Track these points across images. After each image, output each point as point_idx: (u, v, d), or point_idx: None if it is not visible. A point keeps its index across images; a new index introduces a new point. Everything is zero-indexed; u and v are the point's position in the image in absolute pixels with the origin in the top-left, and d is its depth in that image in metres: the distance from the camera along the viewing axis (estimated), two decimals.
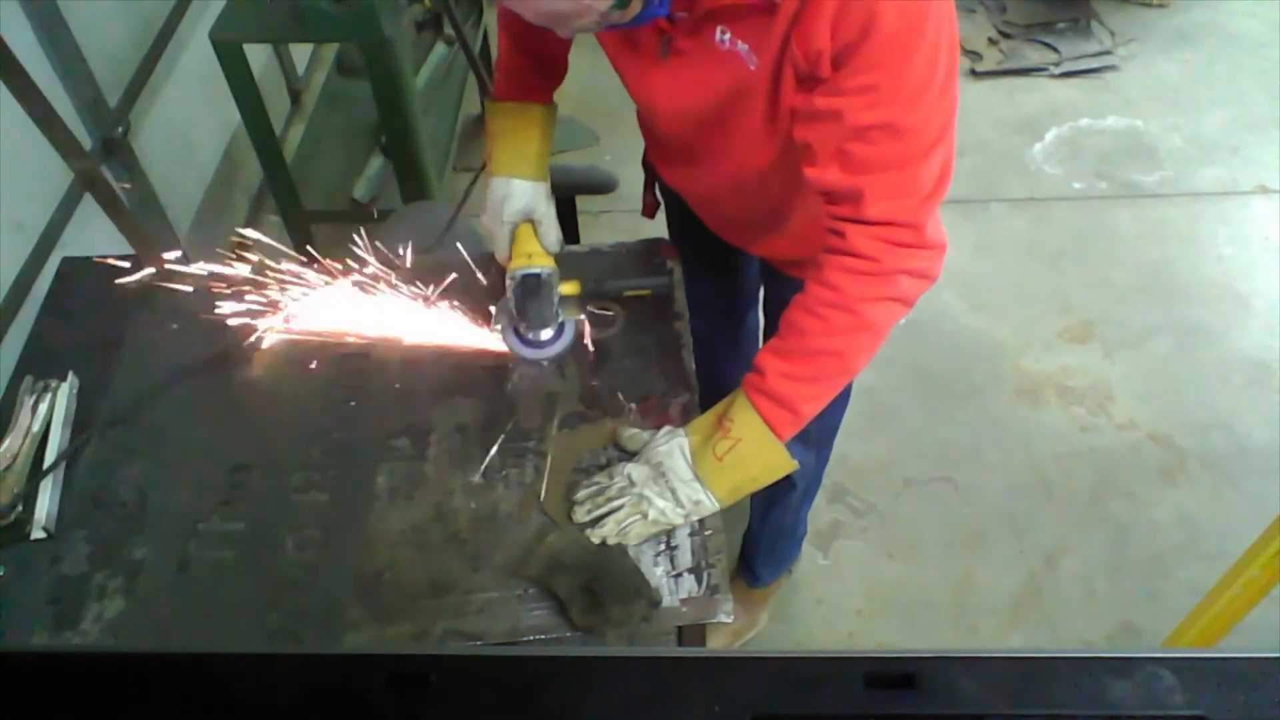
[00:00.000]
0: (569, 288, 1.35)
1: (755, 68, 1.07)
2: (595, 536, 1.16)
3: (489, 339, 1.35)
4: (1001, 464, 2.40)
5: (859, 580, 2.21)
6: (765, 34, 1.04)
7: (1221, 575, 1.60)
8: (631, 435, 1.25)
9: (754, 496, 1.85)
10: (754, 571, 2.07)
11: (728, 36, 1.08)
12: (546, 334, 1.33)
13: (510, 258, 1.35)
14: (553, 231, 1.35)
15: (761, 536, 2.01)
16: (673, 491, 1.16)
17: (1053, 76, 3.47)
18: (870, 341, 1.17)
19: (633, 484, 1.18)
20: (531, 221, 1.34)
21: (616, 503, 1.17)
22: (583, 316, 1.36)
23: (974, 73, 3.46)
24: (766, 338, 1.28)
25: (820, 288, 1.14)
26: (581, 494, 1.20)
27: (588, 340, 1.36)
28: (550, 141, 1.37)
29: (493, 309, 1.36)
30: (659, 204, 1.65)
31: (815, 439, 1.76)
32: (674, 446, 1.19)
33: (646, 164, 1.59)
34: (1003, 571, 2.21)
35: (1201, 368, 2.58)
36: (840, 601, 2.18)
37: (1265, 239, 2.90)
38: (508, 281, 1.32)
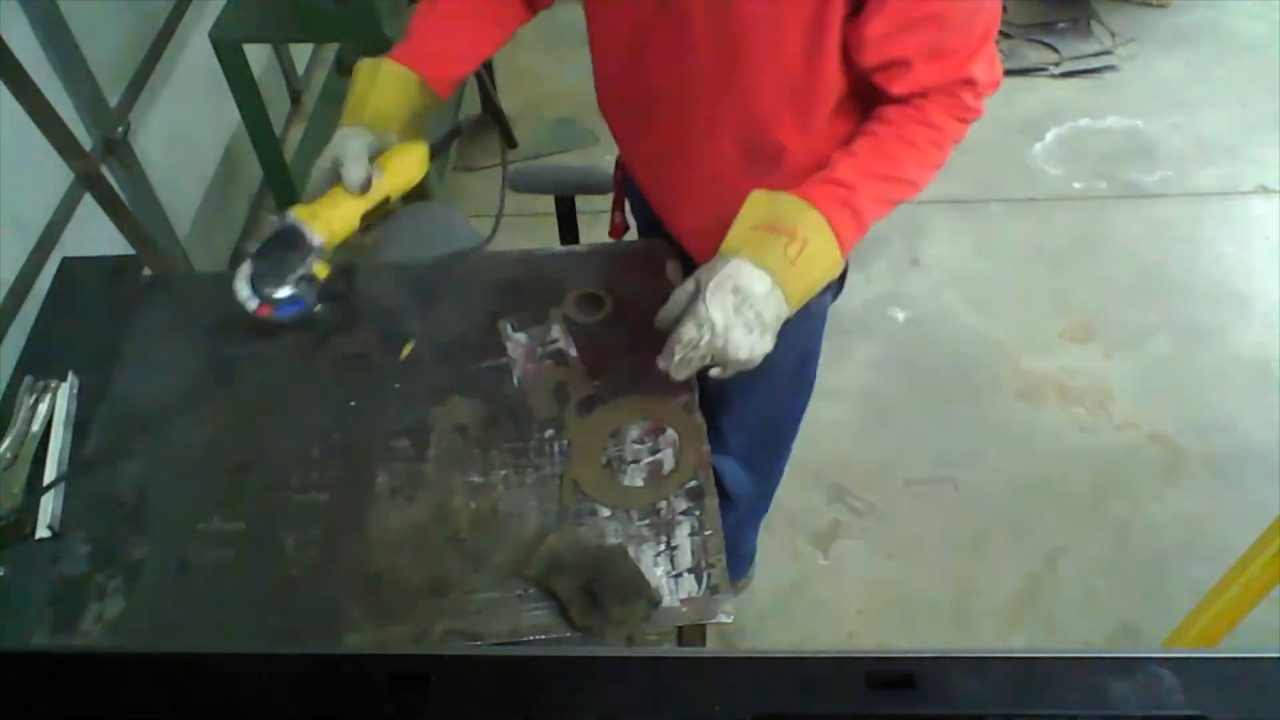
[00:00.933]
0: (321, 269, 1.20)
1: None
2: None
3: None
4: (1001, 464, 2.40)
5: (859, 580, 2.21)
6: None
7: (1221, 575, 1.60)
8: (662, 311, 1.14)
9: None
10: None
11: None
12: (281, 293, 1.18)
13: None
14: (355, 170, 1.15)
15: None
16: (758, 316, 1.07)
17: (1053, 76, 3.47)
18: (938, 166, 1.19)
19: (715, 330, 1.07)
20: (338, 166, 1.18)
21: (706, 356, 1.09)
22: (317, 308, 1.23)
23: None
24: None
25: (924, 127, 1.14)
26: (676, 358, 1.10)
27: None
28: (409, 108, 1.23)
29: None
30: (628, 226, 1.62)
31: (762, 470, 1.75)
32: (736, 267, 1.07)
33: (616, 179, 1.56)
34: (1003, 571, 2.21)
35: (1201, 368, 2.58)
36: (840, 601, 2.18)
37: (1265, 239, 2.90)
38: (267, 225, 1.20)
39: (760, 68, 1.14)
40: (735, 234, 1.12)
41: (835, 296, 1.49)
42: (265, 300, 1.19)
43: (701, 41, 1.15)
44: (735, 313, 1.07)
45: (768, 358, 1.14)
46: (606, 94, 1.38)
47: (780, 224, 1.09)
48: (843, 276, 1.43)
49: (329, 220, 1.17)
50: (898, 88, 1.13)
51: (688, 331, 1.08)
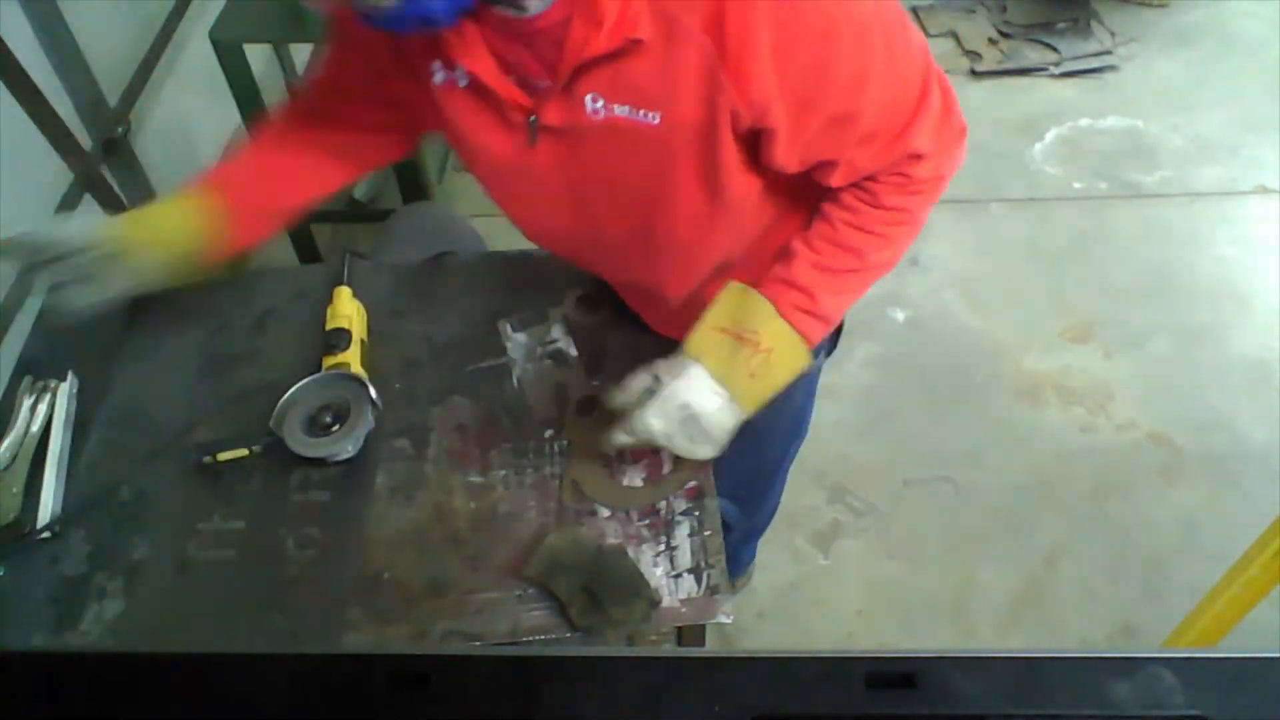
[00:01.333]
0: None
1: (657, 122, 0.95)
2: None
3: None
4: (1001, 464, 2.40)
5: (859, 580, 2.21)
6: (659, 82, 0.92)
7: (1221, 575, 1.60)
8: (616, 392, 1.12)
9: None
10: None
11: (600, 104, 0.95)
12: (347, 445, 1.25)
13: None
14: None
15: None
16: (705, 432, 1.07)
17: (1053, 76, 3.47)
18: (913, 236, 1.12)
19: (655, 438, 1.08)
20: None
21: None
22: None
23: (974, 73, 3.46)
24: None
25: (880, 211, 1.07)
26: (617, 444, 1.12)
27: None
28: (176, 248, 1.15)
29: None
30: None
31: (754, 502, 1.74)
32: (691, 379, 1.06)
33: None
34: (1003, 571, 2.21)
35: (1201, 368, 2.58)
36: (840, 601, 2.18)
37: (1265, 239, 2.90)
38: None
39: (672, 225, 1.08)
40: (701, 334, 1.09)
41: (829, 354, 1.47)
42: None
43: (612, 227, 1.11)
44: (680, 425, 1.07)
45: (760, 418, 1.14)
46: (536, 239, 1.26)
47: (745, 332, 1.07)
48: (837, 333, 1.41)
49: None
50: (836, 181, 1.06)
51: (628, 435, 1.10)
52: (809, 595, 2.20)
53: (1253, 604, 1.56)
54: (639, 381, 1.11)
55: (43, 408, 1.30)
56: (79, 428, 1.32)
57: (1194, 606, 1.68)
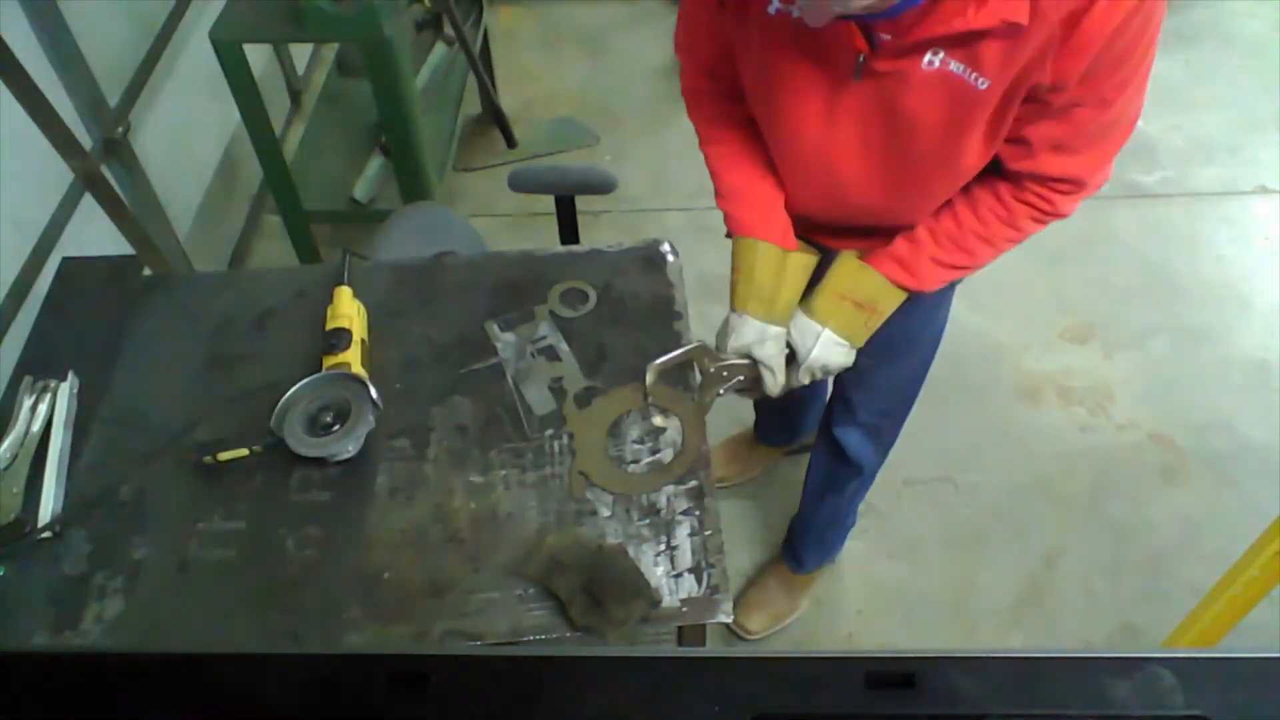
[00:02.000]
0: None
1: (985, 88, 1.06)
2: None
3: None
4: (1001, 464, 2.40)
5: (859, 580, 2.21)
6: (1004, 56, 1.02)
7: (1221, 575, 1.60)
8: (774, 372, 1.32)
9: (808, 484, 1.95)
10: (798, 558, 2.08)
11: (939, 57, 1.05)
12: None
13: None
14: (769, 376, 1.32)
15: (811, 525, 2.03)
16: (835, 369, 1.33)
17: None
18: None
19: (801, 384, 1.34)
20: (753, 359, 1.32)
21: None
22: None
23: None
24: None
25: (1007, 228, 1.24)
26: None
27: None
28: (793, 283, 1.34)
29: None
30: None
31: (884, 438, 1.82)
32: (826, 344, 1.31)
33: None
34: (1003, 571, 2.21)
35: (1201, 368, 2.58)
36: (840, 601, 2.18)
37: (1265, 239, 2.90)
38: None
39: (933, 173, 1.22)
40: (824, 301, 1.31)
41: None
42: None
43: (880, 164, 1.22)
44: (821, 376, 1.35)
45: (909, 337, 1.49)
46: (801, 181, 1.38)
47: (865, 301, 1.30)
48: None
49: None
50: (1014, 164, 1.18)
51: (783, 389, 1.34)
52: (809, 595, 2.19)
53: (1253, 604, 1.55)
54: (780, 357, 1.32)
55: (43, 408, 1.30)
56: (79, 428, 1.32)
57: (1194, 606, 1.68)
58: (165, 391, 1.36)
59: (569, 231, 1.94)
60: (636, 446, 1.28)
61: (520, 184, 1.91)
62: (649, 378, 1.28)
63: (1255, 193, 3.05)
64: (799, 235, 1.37)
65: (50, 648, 1.07)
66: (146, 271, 1.56)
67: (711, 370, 1.31)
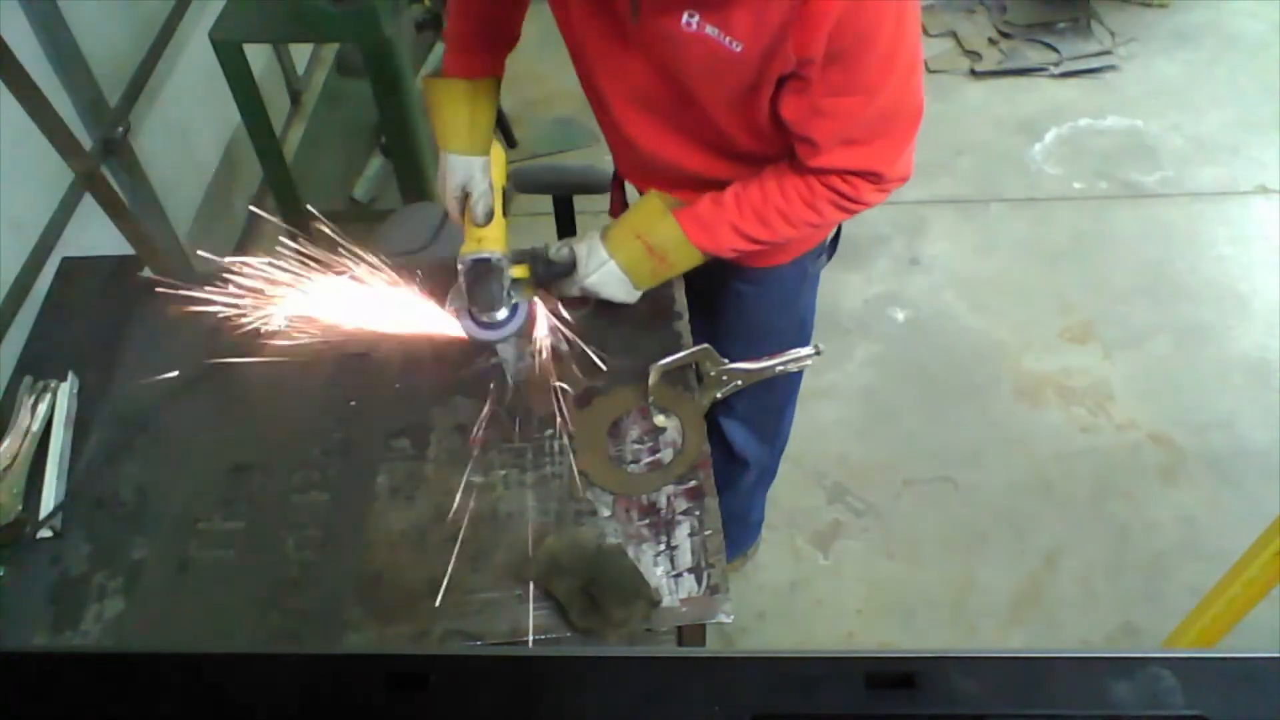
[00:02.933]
0: (518, 270, 1.33)
1: (739, 50, 1.12)
2: None
3: (446, 322, 1.34)
4: (1001, 464, 2.40)
5: (859, 580, 2.21)
6: (753, 20, 1.09)
7: (1221, 575, 1.60)
8: (552, 247, 1.34)
9: None
10: None
11: (695, 19, 1.12)
12: (500, 314, 1.32)
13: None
14: (481, 205, 1.32)
15: None
16: (609, 298, 1.35)
17: (1053, 76, 3.47)
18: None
19: (570, 296, 1.36)
20: (467, 195, 1.33)
21: None
22: (534, 298, 1.35)
23: (974, 73, 3.46)
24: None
25: (809, 211, 1.27)
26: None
27: (545, 319, 1.36)
28: (490, 113, 1.37)
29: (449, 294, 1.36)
30: (626, 206, 1.67)
31: (768, 432, 1.84)
32: (606, 274, 1.33)
33: (617, 172, 1.61)
34: (1003, 571, 2.21)
35: (1201, 368, 2.58)
36: (840, 601, 2.18)
37: (1265, 239, 2.90)
38: (458, 266, 1.31)
39: (706, 123, 1.28)
40: (619, 233, 1.34)
41: (829, 258, 1.60)
42: (498, 323, 1.32)
43: (665, 106, 1.29)
44: (595, 299, 1.36)
45: (769, 323, 1.51)
46: (607, 123, 1.45)
47: (655, 248, 1.32)
48: (836, 237, 1.56)
49: (490, 237, 1.32)
50: (810, 162, 1.23)
51: (555, 293, 1.36)
52: (809, 595, 2.20)
53: (1253, 604, 1.56)
54: (565, 254, 1.34)
55: (43, 408, 1.30)
56: (79, 428, 1.32)
57: (1194, 606, 1.68)
58: (165, 391, 1.36)
59: (568, 231, 1.94)
60: (636, 446, 1.28)
61: (519, 184, 1.91)
62: (651, 378, 1.28)
63: (1255, 193, 3.05)
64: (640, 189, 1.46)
65: (50, 648, 1.07)
66: (146, 271, 1.56)
67: (713, 373, 1.31)
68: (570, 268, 1.33)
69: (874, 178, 1.24)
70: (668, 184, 1.38)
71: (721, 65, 1.15)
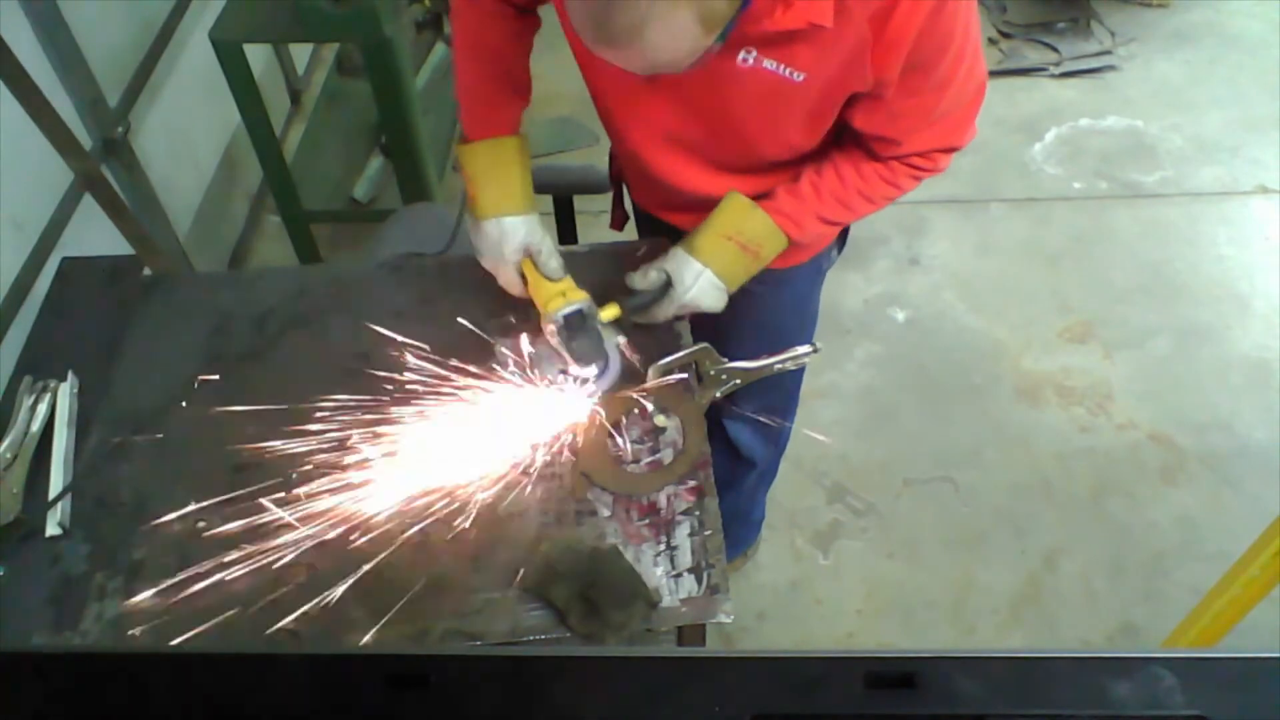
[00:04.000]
0: (608, 312, 1.31)
1: (801, 80, 1.12)
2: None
3: (545, 393, 1.29)
4: (1001, 464, 2.40)
5: (859, 580, 2.21)
6: (816, 52, 1.08)
7: (1221, 575, 1.60)
8: (637, 279, 1.31)
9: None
10: None
11: (753, 55, 1.11)
12: (595, 368, 1.29)
13: (531, 294, 1.32)
14: (554, 259, 1.32)
15: None
16: (706, 310, 1.34)
17: (1053, 76, 3.47)
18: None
19: (668, 318, 1.34)
20: (530, 253, 1.32)
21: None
22: (623, 338, 1.33)
23: None
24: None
25: (888, 186, 1.28)
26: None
27: (633, 356, 1.33)
28: (529, 167, 1.34)
29: (525, 353, 1.32)
30: (628, 217, 1.68)
31: (773, 432, 1.84)
32: (705, 284, 1.31)
33: (614, 178, 1.60)
34: (1003, 571, 2.21)
35: (1201, 368, 2.58)
36: (840, 601, 2.18)
37: (1265, 239, 2.90)
38: (548, 326, 1.29)
39: (762, 150, 1.29)
40: (708, 239, 1.31)
41: (840, 251, 1.61)
42: (599, 374, 1.29)
43: (703, 139, 1.30)
44: (690, 313, 1.35)
45: (780, 324, 1.52)
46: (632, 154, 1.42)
47: (750, 244, 1.30)
48: (844, 236, 1.56)
49: (571, 287, 1.31)
50: (887, 152, 1.25)
51: (647, 319, 1.34)
52: (809, 595, 2.19)
53: (1253, 604, 1.56)
54: (654, 277, 1.31)
55: (42, 407, 1.30)
56: (79, 428, 1.32)
57: (1194, 606, 1.68)
58: (165, 392, 1.36)
59: (568, 231, 1.94)
60: (636, 446, 1.28)
61: None
62: (651, 378, 1.28)
63: (1255, 193, 3.05)
64: (654, 215, 1.47)
65: (50, 648, 1.07)
66: (146, 271, 1.56)
67: (713, 372, 1.31)
68: (661, 292, 1.31)
69: (947, 149, 1.27)
70: (692, 210, 1.37)
71: (781, 96, 1.15)
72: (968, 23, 1.12)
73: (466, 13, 1.31)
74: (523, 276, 1.33)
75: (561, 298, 1.29)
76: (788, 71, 1.11)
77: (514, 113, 1.35)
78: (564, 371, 1.29)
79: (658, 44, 0.93)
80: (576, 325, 1.27)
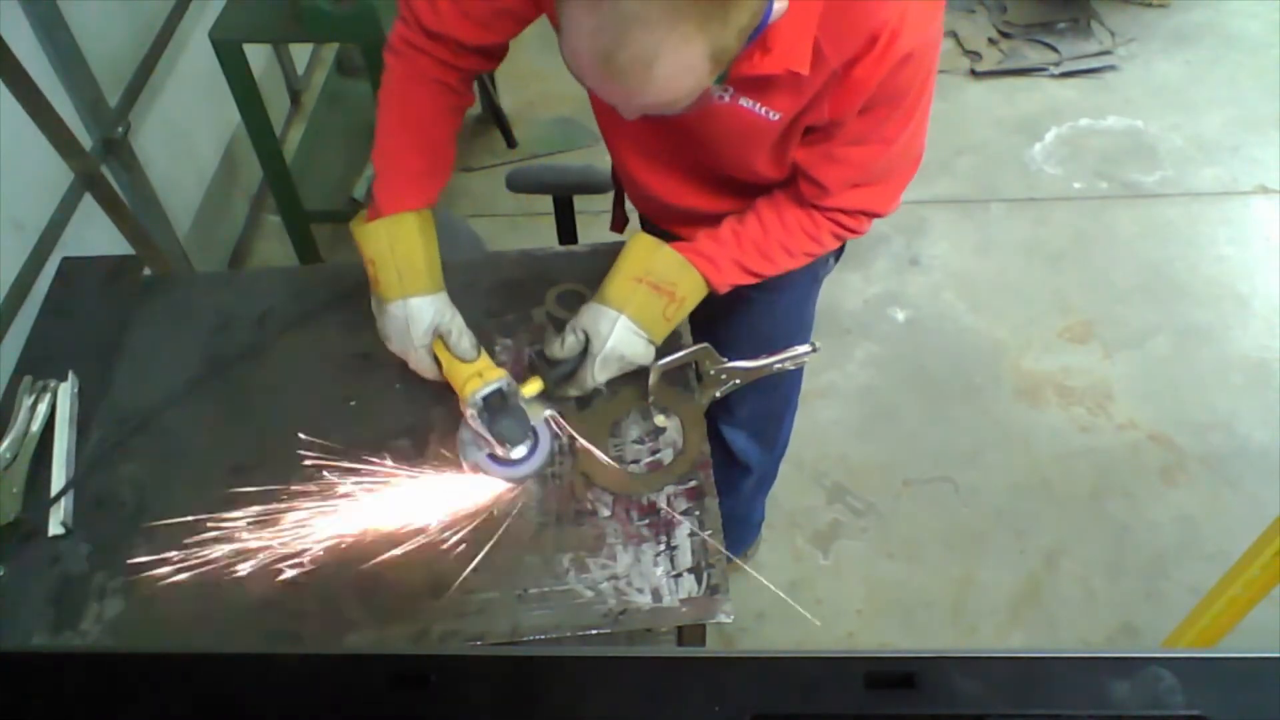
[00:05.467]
0: (530, 388, 1.25)
1: (776, 119, 1.14)
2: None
3: (465, 480, 1.23)
4: (1001, 464, 2.40)
5: (859, 580, 2.21)
6: (791, 93, 1.10)
7: (1221, 575, 1.60)
8: (555, 349, 1.24)
9: None
10: None
11: (729, 93, 1.12)
12: (523, 448, 1.23)
13: (447, 378, 1.26)
14: (465, 338, 1.25)
15: None
16: (635, 365, 1.26)
17: (1053, 76, 3.47)
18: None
19: (598, 382, 1.26)
20: (440, 335, 1.25)
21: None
22: (550, 412, 1.25)
23: (974, 73, 3.46)
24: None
25: (810, 241, 1.29)
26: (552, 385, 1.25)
27: (565, 431, 1.27)
28: (435, 242, 1.27)
29: (459, 443, 1.25)
30: (628, 219, 1.69)
31: (768, 437, 1.85)
32: (623, 332, 1.23)
33: (615, 180, 1.60)
34: (1003, 571, 2.21)
35: (1201, 368, 2.58)
36: (840, 601, 2.18)
37: (1265, 239, 2.90)
38: (468, 410, 1.20)
39: (730, 175, 1.31)
40: (617, 284, 1.25)
41: (837, 259, 1.60)
42: (526, 455, 1.23)
43: (684, 165, 1.33)
44: (618, 369, 1.26)
45: (777, 330, 1.50)
46: (629, 170, 1.43)
47: (662, 284, 1.25)
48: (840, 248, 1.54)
49: (488, 366, 1.25)
50: (816, 200, 1.25)
51: (578, 390, 1.26)
52: (809, 595, 2.20)
53: (1253, 604, 1.56)
54: (570, 342, 1.24)
55: (42, 407, 1.30)
56: (79, 428, 1.32)
57: (1194, 606, 1.68)
58: (165, 391, 1.36)
59: (568, 231, 1.94)
60: (636, 446, 1.28)
61: (519, 184, 1.91)
62: (651, 378, 1.28)
63: (1255, 193, 3.05)
64: (648, 229, 1.46)
65: (50, 648, 1.07)
66: (146, 271, 1.56)
67: (712, 372, 1.31)
68: (581, 352, 1.24)
69: (871, 214, 1.29)
70: (684, 222, 1.39)
71: (755, 132, 1.17)
72: (925, 81, 1.15)
73: (399, 77, 1.25)
74: (436, 360, 1.26)
75: (478, 378, 1.21)
76: (763, 110, 1.13)
77: (435, 187, 1.29)
78: (491, 456, 1.22)
79: (664, 79, 0.90)
80: (497, 406, 1.20)
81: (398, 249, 1.23)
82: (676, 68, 0.89)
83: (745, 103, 1.13)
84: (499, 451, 1.21)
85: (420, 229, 1.25)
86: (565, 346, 1.24)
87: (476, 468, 1.23)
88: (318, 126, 2.87)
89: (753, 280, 1.31)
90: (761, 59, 1.03)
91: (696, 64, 0.90)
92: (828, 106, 1.12)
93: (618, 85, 0.93)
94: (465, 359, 1.24)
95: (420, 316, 1.23)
